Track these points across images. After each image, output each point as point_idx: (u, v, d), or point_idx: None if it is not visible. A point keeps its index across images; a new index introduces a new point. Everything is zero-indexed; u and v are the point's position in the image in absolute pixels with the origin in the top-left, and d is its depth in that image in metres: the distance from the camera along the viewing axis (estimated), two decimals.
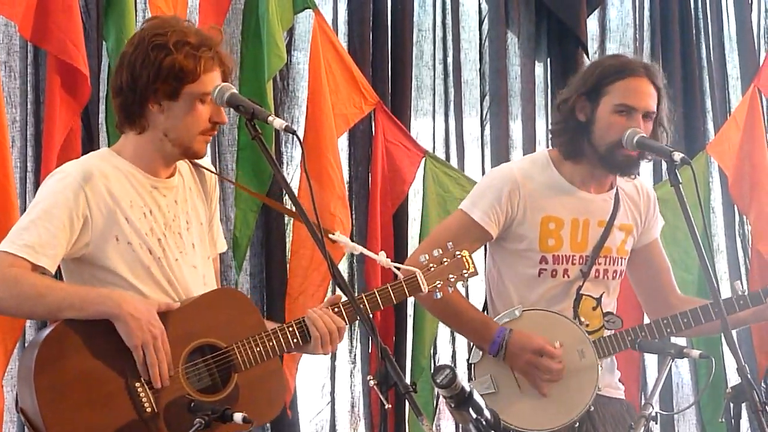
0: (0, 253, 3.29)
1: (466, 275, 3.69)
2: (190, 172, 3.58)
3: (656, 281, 4.44)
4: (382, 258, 3.61)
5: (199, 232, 3.54)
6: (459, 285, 3.72)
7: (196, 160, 3.58)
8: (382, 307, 3.60)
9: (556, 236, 4.25)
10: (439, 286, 3.66)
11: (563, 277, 4.25)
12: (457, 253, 3.68)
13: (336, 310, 3.52)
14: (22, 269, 3.25)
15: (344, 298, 3.52)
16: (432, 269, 3.65)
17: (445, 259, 3.66)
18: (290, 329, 3.48)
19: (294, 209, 3.53)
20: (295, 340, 3.48)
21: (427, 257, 3.66)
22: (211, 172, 3.64)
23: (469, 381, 4.17)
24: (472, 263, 3.71)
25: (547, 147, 6.05)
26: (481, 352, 4.22)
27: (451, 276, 3.67)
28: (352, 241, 5.43)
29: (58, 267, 3.38)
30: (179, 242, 3.47)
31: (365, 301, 3.56)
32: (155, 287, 3.41)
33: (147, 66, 3.35)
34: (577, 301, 4.25)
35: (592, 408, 4.17)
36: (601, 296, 4.29)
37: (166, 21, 3.48)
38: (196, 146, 3.44)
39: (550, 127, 4.35)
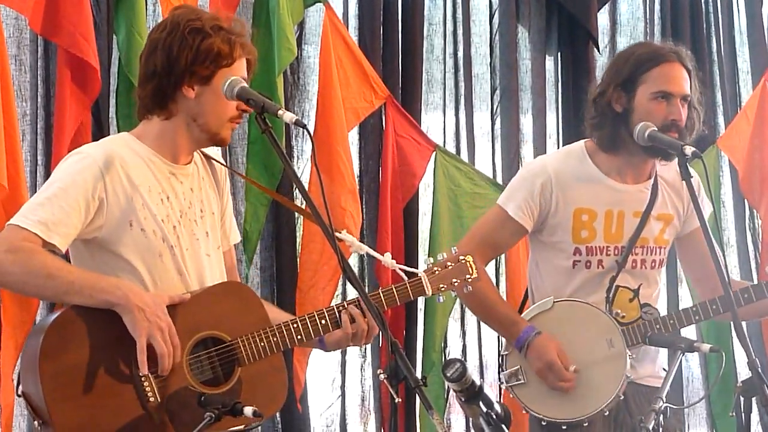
0: (12, 226, 3.27)
1: (469, 279, 3.69)
2: (201, 162, 3.57)
3: (704, 267, 4.39)
4: (387, 259, 3.62)
5: (211, 222, 3.53)
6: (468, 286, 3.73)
7: (207, 152, 3.58)
8: (386, 308, 3.61)
9: (590, 228, 4.27)
10: (443, 289, 3.66)
11: (597, 268, 4.28)
12: (462, 257, 3.69)
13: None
14: (34, 245, 3.24)
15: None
16: (437, 272, 3.65)
17: (449, 263, 3.67)
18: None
19: (304, 204, 3.53)
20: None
21: (432, 261, 3.67)
22: (222, 164, 3.64)
23: (499, 371, 4.28)
24: (476, 268, 3.71)
25: (558, 141, 6.11)
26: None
27: (454, 280, 3.67)
28: (363, 234, 5.48)
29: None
30: (194, 230, 3.47)
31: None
32: (164, 275, 3.40)
33: (185, 48, 3.36)
34: (611, 291, 4.27)
35: (622, 396, 4.18)
36: (638, 288, 4.31)
37: (195, 9, 3.54)
38: (224, 133, 3.44)
39: (587, 121, 4.33)
